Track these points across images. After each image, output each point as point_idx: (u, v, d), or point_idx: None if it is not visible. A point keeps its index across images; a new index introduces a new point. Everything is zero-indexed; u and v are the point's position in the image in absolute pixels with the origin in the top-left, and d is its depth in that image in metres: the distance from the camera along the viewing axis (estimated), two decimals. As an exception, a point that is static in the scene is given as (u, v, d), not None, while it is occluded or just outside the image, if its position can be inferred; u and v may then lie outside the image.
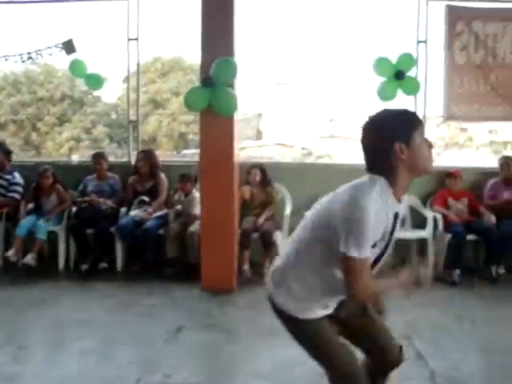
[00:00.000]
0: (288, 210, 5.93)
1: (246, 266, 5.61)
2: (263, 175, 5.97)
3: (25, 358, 3.81)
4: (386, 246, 2.02)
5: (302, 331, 2.16)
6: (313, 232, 2.05)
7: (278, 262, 2.22)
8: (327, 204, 2.01)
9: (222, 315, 4.82)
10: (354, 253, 1.83)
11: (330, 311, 2.18)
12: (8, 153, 6.52)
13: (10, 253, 5.81)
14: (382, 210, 1.88)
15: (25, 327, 4.41)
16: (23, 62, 7.79)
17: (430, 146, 1.99)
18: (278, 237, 5.70)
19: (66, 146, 22.00)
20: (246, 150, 10.38)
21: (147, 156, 6.27)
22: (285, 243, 5.61)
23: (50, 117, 22.56)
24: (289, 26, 30.72)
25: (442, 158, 14.55)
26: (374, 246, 1.92)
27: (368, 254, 1.87)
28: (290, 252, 2.15)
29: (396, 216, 1.98)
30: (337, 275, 1.98)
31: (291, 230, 5.72)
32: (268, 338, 3.93)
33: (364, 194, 1.84)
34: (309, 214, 2.12)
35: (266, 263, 5.53)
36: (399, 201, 1.98)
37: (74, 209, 6.12)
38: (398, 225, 2.01)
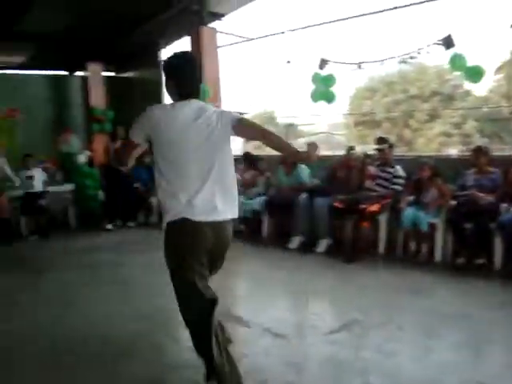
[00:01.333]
0: None
1: None
2: None
3: (403, 338, 4.06)
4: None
5: None
6: None
7: None
8: None
9: None
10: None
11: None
12: (390, 146, 7.00)
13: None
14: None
15: (401, 310, 4.67)
16: (403, 62, 8.20)
17: None
18: None
19: (436, 141, 22.25)
20: None
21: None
22: None
23: (420, 113, 23.14)
24: None
25: None
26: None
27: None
28: None
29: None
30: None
31: None
32: None
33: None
34: None
35: None
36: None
37: (454, 202, 6.18)
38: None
